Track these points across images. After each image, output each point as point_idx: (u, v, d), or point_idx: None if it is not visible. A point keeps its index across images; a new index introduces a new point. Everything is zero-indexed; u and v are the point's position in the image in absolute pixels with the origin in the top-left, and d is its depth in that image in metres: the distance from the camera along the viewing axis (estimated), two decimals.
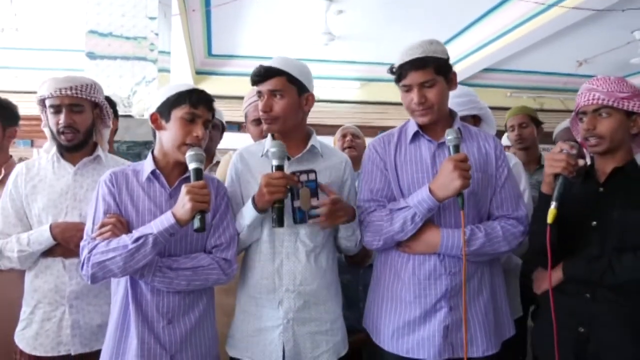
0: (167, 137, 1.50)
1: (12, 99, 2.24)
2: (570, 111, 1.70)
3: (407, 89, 1.58)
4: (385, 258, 1.65)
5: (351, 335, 1.95)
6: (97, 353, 1.55)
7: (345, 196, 1.67)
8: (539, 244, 1.49)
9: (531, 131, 2.73)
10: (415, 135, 1.64)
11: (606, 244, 1.51)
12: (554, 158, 1.49)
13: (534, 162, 2.73)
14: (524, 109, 2.83)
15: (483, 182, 1.59)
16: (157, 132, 1.54)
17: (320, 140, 1.72)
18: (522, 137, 2.70)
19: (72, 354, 1.63)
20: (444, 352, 1.53)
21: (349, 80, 6.78)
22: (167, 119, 1.50)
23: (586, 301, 1.52)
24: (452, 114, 1.68)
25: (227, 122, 2.76)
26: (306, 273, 1.58)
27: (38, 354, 1.63)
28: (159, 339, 1.44)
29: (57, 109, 1.69)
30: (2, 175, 2.04)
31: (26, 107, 2.27)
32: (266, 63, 1.63)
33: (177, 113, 1.48)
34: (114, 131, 2.34)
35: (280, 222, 1.47)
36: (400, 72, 1.57)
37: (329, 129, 2.87)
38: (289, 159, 1.60)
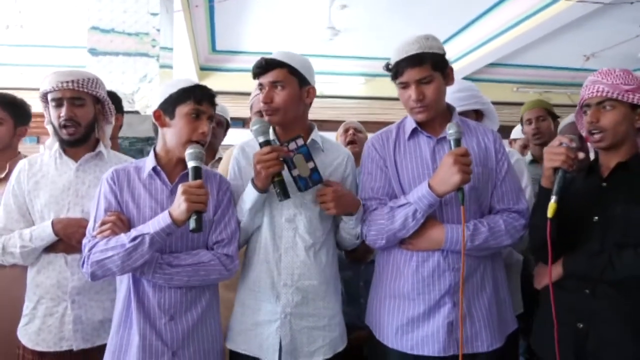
0: (172, 134, 1.50)
1: (18, 96, 2.26)
2: None
3: (404, 86, 1.57)
4: (388, 255, 1.65)
5: (352, 332, 1.95)
6: (99, 348, 1.57)
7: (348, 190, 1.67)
8: (539, 238, 1.48)
9: (548, 125, 2.69)
10: (414, 132, 1.64)
11: (607, 240, 1.50)
12: (553, 151, 1.47)
13: None
14: (541, 102, 2.79)
15: (483, 177, 1.59)
16: (160, 129, 1.55)
17: (322, 135, 1.72)
18: (540, 130, 2.66)
19: (75, 349, 1.64)
20: (448, 348, 1.53)
21: (353, 76, 6.75)
22: (172, 116, 1.50)
23: (586, 297, 1.51)
24: (449, 109, 1.66)
25: (231, 118, 2.76)
26: (305, 268, 1.59)
27: (40, 349, 1.64)
28: (160, 335, 1.44)
29: (58, 102, 1.70)
30: (7, 171, 2.05)
31: (32, 104, 2.29)
32: (267, 56, 1.63)
33: (182, 110, 1.49)
34: (119, 127, 2.35)
35: (285, 194, 1.50)
36: (396, 69, 1.56)
37: (334, 125, 2.87)
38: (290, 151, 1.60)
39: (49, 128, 1.80)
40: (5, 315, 1.81)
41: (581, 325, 1.50)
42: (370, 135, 1.90)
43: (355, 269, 2.22)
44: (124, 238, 1.37)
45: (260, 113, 2.00)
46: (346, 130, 2.75)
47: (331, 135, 2.90)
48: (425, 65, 1.52)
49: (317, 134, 1.69)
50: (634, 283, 1.46)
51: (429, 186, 1.47)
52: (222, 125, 2.81)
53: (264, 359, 1.58)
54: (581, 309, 1.51)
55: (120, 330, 1.46)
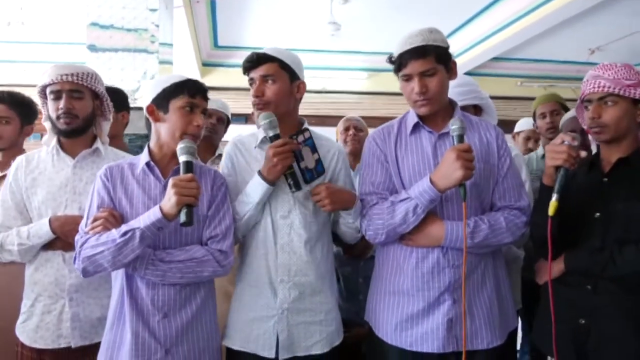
0: (167, 128, 1.50)
1: (23, 92, 2.27)
2: None
3: (407, 78, 1.55)
4: (387, 251, 1.64)
5: (351, 329, 1.95)
6: (97, 345, 1.56)
7: (337, 184, 1.68)
8: (540, 235, 1.48)
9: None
10: (416, 127, 1.62)
11: (608, 236, 1.50)
12: (555, 150, 1.46)
13: None
14: (555, 96, 2.75)
15: (485, 173, 1.57)
16: (154, 124, 1.54)
17: (313, 130, 1.72)
18: (554, 125, 2.61)
19: (73, 346, 1.63)
20: (448, 345, 1.52)
21: (356, 71, 6.73)
22: (165, 110, 1.50)
23: (587, 293, 1.51)
24: (452, 104, 1.65)
25: (234, 114, 2.75)
26: (301, 264, 1.60)
27: (39, 346, 1.64)
28: (153, 333, 1.44)
29: (57, 95, 1.69)
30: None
31: (36, 100, 2.31)
32: (257, 51, 1.64)
33: (176, 103, 1.49)
34: (125, 124, 2.35)
35: (297, 185, 1.53)
36: (400, 62, 1.54)
37: (336, 120, 2.85)
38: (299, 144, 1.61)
39: (47, 125, 1.79)
40: (4, 313, 1.81)
41: (583, 321, 1.50)
42: (371, 131, 1.89)
43: (354, 265, 2.21)
44: (114, 233, 1.37)
45: None
46: (346, 129, 2.73)
47: (332, 131, 2.90)
48: (429, 58, 1.51)
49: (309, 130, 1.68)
50: (635, 279, 1.46)
51: (431, 181, 1.46)
52: (223, 121, 2.80)
53: (261, 354, 1.58)
54: (582, 304, 1.51)
55: (114, 328, 1.46)
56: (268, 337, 1.58)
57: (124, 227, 1.37)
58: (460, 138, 1.46)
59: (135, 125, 2.65)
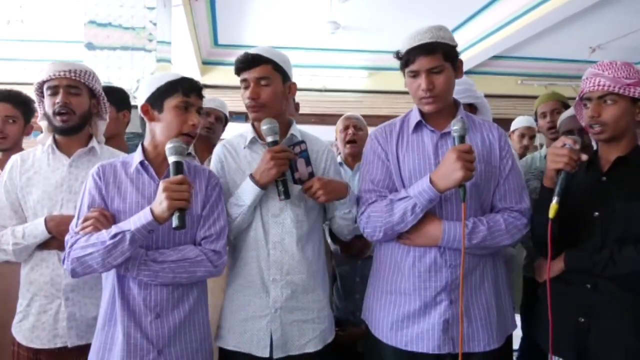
0: (162, 127, 1.49)
1: (23, 91, 2.27)
2: None
3: (414, 74, 1.54)
4: (386, 249, 1.64)
5: (346, 328, 1.95)
6: None
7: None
8: (540, 237, 1.47)
9: None
10: (418, 125, 1.62)
11: (608, 235, 1.50)
12: (556, 153, 1.46)
13: None
14: (556, 95, 2.73)
15: (486, 174, 1.56)
16: (148, 124, 1.53)
17: (300, 128, 1.74)
18: (555, 123, 2.56)
19: (69, 346, 1.63)
20: (443, 346, 1.51)
21: (356, 69, 6.72)
22: (160, 110, 1.49)
23: (587, 291, 1.51)
24: (456, 104, 1.64)
25: (234, 112, 2.74)
26: (293, 263, 1.60)
27: (35, 346, 1.64)
28: (145, 333, 1.43)
29: (54, 90, 1.69)
30: None
31: None
32: (250, 51, 1.63)
33: (171, 102, 1.48)
34: (127, 124, 2.35)
35: (287, 194, 1.54)
36: (407, 58, 1.53)
37: (337, 119, 2.83)
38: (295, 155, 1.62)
39: (43, 124, 1.79)
40: (1, 313, 1.81)
41: (582, 320, 1.50)
42: (372, 129, 1.89)
43: (351, 265, 2.21)
44: (104, 235, 1.36)
45: None
46: (346, 128, 2.71)
47: (333, 129, 2.88)
48: (437, 55, 1.50)
49: (296, 129, 1.70)
50: (635, 278, 1.46)
51: (431, 181, 1.45)
52: (221, 120, 2.79)
53: (255, 354, 1.58)
54: (582, 303, 1.52)
55: (105, 328, 1.45)
56: (262, 337, 1.58)
57: (113, 229, 1.36)
58: (462, 138, 1.45)
59: (133, 123, 2.66)
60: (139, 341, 1.42)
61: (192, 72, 6.02)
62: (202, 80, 6.43)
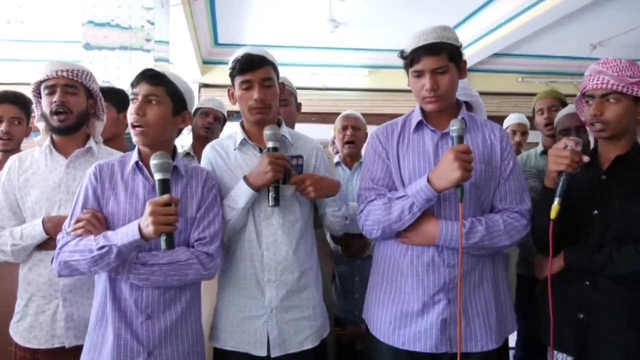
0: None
1: (23, 91, 2.28)
2: None
3: (419, 74, 1.54)
4: (385, 248, 1.64)
5: (345, 327, 1.95)
6: None
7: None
8: (541, 237, 1.49)
9: None
10: (419, 125, 1.62)
11: (607, 234, 1.51)
12: (558, 154, 1.47)
13: None
14: (554, 92, 2.75)
15: (486, 174, 1.56)
16: None
17: (289, 129, 1.75)
18: (551, 121, 2.60)
19: (67, 346, 1.63)
20: (441, 346, 1.51)
21: (356, 68, 6.71)
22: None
23: (586, 288, 1.52)
24: (458, 104, 1.64)
25: (234, 112, 2.73)
26: (287, 263, 1.61)
27: (32, 346, 1.64)
28: (136, 334, 1.43)
29: (52, 90, 1.69)
30: None
31: None
32: (250, 52, 1.62)
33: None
34: (126, 125, 2.34)
35: (277, 201, 1.55)
36: (412, 58, 1.53)
37: (336, 118, 2.82)
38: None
39: (40, 125, 1.79)
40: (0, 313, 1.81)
41: (582, 316, 1.52)
42: (372, 128, 1.90)
43: (351, 264, 2.21)
44: (92, 244, 1.36)
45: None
46: (344, 128, 2.71)
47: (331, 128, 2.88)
48: (442, 55, 1.50)
49: (285, 130, 1.70)
50: (633, 277, 1.47)
51: (428, 181, 1.45)
52: (220, 120, 2.79)
53: (253, 353, 1.59)
54: (581, 300, 1.53)
55: (96, 329, 1.45)
56: (259, 336, 1.59)
57: (101, 241, 1.35)
58: (460, 139, 1.45)
59: None
60: (129, 342, 1.41)
61: (193, 71, 6.02)
62: (203, 79, 6.43)
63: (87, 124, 1.80)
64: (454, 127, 1.45)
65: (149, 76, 1.47)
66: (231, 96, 1.69)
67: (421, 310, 1.53)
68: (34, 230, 1.62)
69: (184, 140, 3.66)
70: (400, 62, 1.59)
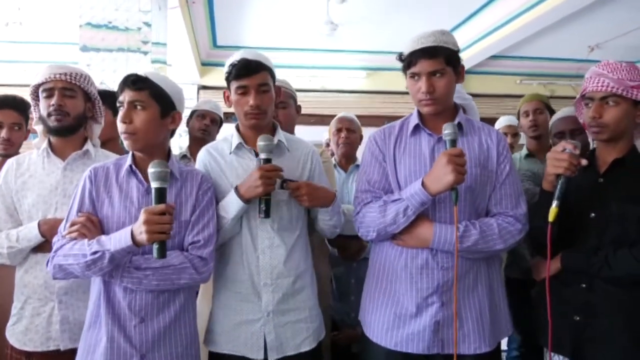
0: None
1: (22, 92, 2.27)
2: None
3: (416, 77, 1.55)
4: (380, 250, 1.65)
5: (341, 330, 1.95)
6: None
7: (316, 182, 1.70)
8: (539, 239, 1.49)
9: (545, 118, 2.66)
10: (416, 128, 1.63)
11: (604, 237, 1.51)
12: (556, 157, 1.47)
13: (545, 151, 2.65)
14: (539, 96, 2.79)
15: (482, 178, 1.56)
16: None
17: (285, 133, 1.75)
18: (536, 123, 2.64)
19: (62, 349, 1.63)
20: (433, 347, 1.52)
21: (354, 70, 6.71)
22: None
23: (582, 291, 1.53)
24: (456, 107, 1.65)
25: (232, 114, 2.74)
26: (282, 266, 1.61)
27: (28, 349, 1.64)
28: (129, 337, 1.43)
29: (49, 92, 1.70)
30: None
31: None
32: (247, 57, 1.61)
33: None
34: None
35: (268, 214, 1.54)
36: (410, 60, 1.54)
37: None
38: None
39: (38, 128, 1.80)
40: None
41: (577, 318, 1.52)
42: (370, 130, 1.90)
43: (347, 266, 2.21)
44: (85, 248, 1.36)
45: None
46: (339, 130, 2.71)
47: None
48: (439, 59, 1.51)
49: (281, 135, 1.70)
50: (630, 280, 1.47)
51: (423, 184, 1.46)
52: (216, 122, 2.80)
53: (249, 356, 1.59)
54: (577, 302, 1.54)
55: (90, 331, 1.46)
56: (255, 340, 1.59)
57: (95, 246, 1.36)
58: (453, 142, 1.46)
59: None
60: (122, 345, 1.42)
61: (192, 73, 6.02)
62: (202, 81, 6.43)
63: (84, 126, 1.80)
64: (446, 130, 1.46)
65: (132, 82, 1.46)
66: (227, 99, 1.69)
67: (415, 313, 1.53)
68: (30, 232, 1.63)
69: (182, 142, 3.67)
70: (399, 64, 1.60)
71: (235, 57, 1.62)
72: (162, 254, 1.32)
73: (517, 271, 2.28)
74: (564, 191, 1.45)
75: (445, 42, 1.52)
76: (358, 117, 2.87)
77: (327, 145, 3.24)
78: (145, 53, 2.93)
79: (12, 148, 2.21)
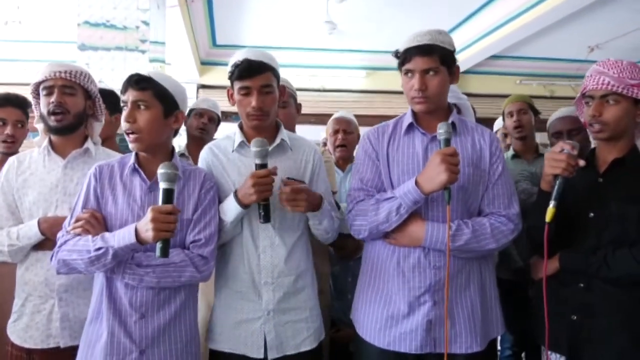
0: None
1: (22, 91, 2.29)
2: None
3: (410, 73, 1.55)
4: (372, 249, 1.65)
5: (339, 329, 1.95)
6: None
7: (317, 185, 1.69)
8: (537, 239, 1.49)
9: (529, 119, 2.70)
10: (410, 127, 1.63)
11: (603, 237, 1.51)
12: (554, 158, 1.47)
13: (531, 152, 2.69)
14: (523, 97, 2.83)
15: (474, 178, 1.57)
16: None
17: (288, 132, 1.73)
18: (520, 123, 2.67)
19: (62, 346, 1.64)
20: (425, 347, 1.52)
21: (354, 69, 6.72)
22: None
23: (580, 290, 1.53)
24: (450, 107, 1.65)
25: (232, 113, 2.74)
26: (283, 265, 1.61)
27: (28, 346, 1.65)
28: (129, 333, 1.44)
29: (49, 90, 1.70)
30: None
31: None
32: (250, 57, 1.58)
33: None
34: (118, 126, 2.35)
35: (267, 218, 1.51)
36: (404, 57, 1.55)
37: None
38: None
39: (39, 126, 1.80)
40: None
41: (575, 317, 1.53)
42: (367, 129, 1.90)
43: (344, 265, 2.21)
44: (89, 244, 1.38)
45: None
46: (336, 132, 2.71)
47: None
48: (434, 57, 1.51)
49: (284, 134, 1.68)
50: (629, 279, 1.48)
51: (416, 183, 1.46)
52: (214, 121, 2.79)
53: (249, 355, 1.59)
54: (575, 302, 1.54)
55: (91, 326, 1.47)
56: (256, 339, 1.59)
57: (99, 242, 1.37)
58: (447, 142, 1.46)
59: None
60: (122, 340, 1.43)
61: (191, 72, 6.03)
62: (201, 80, 6.44)
63: (85, 124, 1.81)
64: (441, 129, 1.46)
65: (135, 81, 1.47)
66: (230, 97, 1.67)
67: (407, 312, 1.54)
68: (30, 230, 1.63)
69: (180, 141, 3.68)
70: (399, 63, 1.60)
71: (239, 56, 1.60)
72: (165, 253, 1.33)
73: (506, 272, 2.29)
74: (561, 191, 1.45)
75: (441, 42, 1.52)
76: (357, 116, 2.88)
77: (324, 144, 3.25)
78: (144, 52, 2.93)
79: (15, 146, 2.23)
